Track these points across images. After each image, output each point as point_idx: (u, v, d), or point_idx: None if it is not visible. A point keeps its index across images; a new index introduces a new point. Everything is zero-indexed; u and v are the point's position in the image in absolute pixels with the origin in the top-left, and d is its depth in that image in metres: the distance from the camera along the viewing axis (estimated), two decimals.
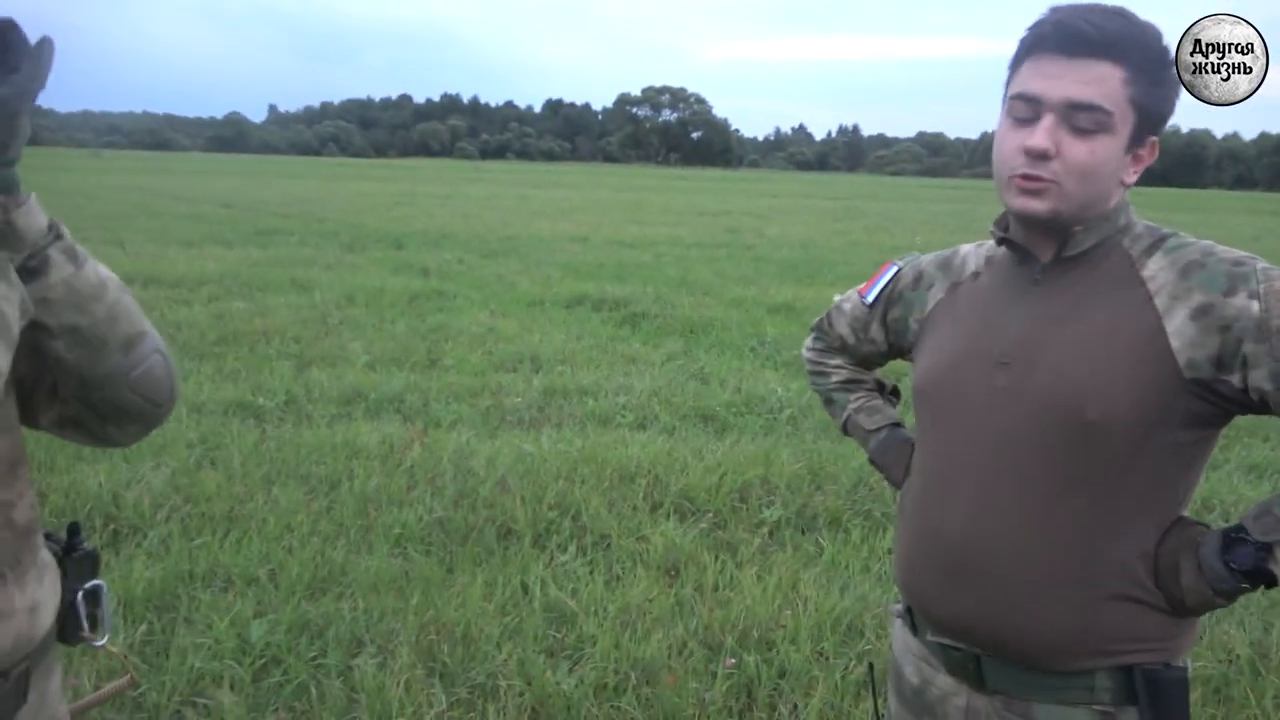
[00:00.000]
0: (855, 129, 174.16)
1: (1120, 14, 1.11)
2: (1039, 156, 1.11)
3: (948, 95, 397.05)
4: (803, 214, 25.24)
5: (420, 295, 9.19)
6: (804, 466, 4.39)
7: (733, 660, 2.78)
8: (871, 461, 1.54)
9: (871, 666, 1.66)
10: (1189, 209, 38.79)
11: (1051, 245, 1.20)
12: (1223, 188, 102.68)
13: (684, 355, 7.01)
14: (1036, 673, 1.20)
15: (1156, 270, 1.15)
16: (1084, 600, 1.17)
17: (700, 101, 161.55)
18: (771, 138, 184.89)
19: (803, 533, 3.81)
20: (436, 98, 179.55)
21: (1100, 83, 1.09)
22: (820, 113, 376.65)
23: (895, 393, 1.62)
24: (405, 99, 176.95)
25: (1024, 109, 1.13)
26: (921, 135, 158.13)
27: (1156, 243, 1.18)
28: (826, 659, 2.84)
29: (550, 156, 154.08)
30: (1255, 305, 1.06)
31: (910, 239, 17.89)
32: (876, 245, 16.36)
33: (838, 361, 1.59)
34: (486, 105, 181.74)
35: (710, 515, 3.89)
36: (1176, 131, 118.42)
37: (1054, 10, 1.13)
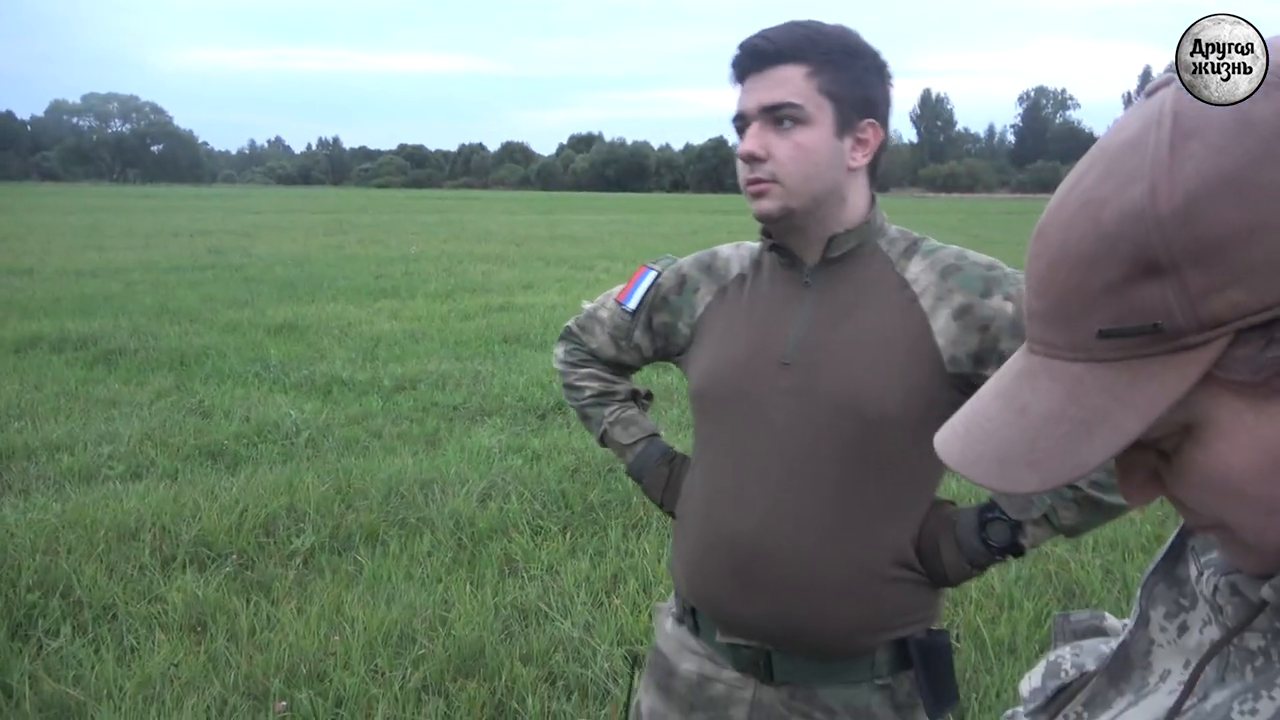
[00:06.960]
0: (336, 141, 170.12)
1: (799, 25, 1.21)
2: (750, 160, 1.21)
3: (424, 110, 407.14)
4: (291, 229, 24.07)
5: None
6: (331, 487, 4.24)
7: (283, 703, 2.60)
8: (629, 474, 1.52)
9: (635, 658, 1.64)
10: (638, 210, 44.65)
11: (816, 249, 1.27)
12: (663, 191, 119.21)
13: (177, 390, 6.31)
14: (824, 660, 1.26)
15: (918, 273, 1.24)
16: (872, 588, 1.23)
17: (158, 111, 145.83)
18: (246, 151, 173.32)
19: (339, 554, 3.68)
20: None
21: (785, 83, 1.18)
22: (298, 125, 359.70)
23: (649, 397, 1.61)
24: None
25: (739, 127, 1.23)
26: (403, 148, 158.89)
27: (911, 246, 1.28)
28: (383, 674, 2.79)
29: None
30: (1010, 306, 1.18)
31: (405, 249, 18.10)
32: (373, 257, 16.26)
33: (588, 371, 1.54)
34: None
35: (234, 557, 3.58)
36: (623, 143, 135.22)
37: (744, 40, 1.23)
